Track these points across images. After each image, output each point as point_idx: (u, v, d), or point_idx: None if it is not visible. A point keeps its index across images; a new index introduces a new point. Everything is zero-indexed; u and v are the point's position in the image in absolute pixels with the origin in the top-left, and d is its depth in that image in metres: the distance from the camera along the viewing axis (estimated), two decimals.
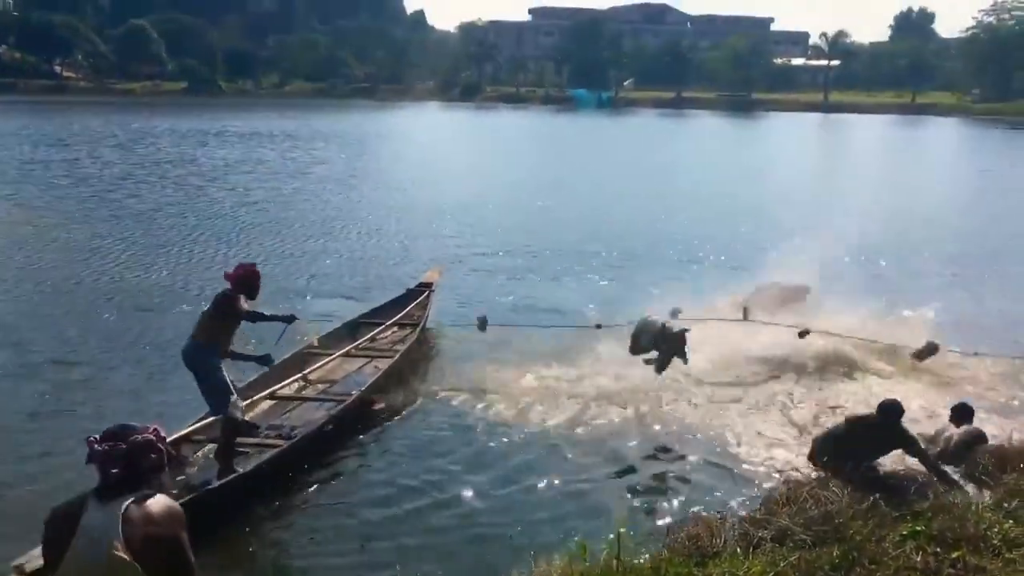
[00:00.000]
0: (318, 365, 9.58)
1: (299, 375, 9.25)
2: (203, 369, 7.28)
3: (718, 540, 5.98)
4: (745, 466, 7.70)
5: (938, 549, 5.56)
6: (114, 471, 3.25)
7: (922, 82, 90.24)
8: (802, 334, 9.89)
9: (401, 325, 11.18)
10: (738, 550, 5.77)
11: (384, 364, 9.72)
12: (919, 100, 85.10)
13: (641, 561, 5.65)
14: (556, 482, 7.40)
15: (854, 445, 7.08)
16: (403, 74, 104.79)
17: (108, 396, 9.24)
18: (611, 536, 5.92)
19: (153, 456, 3.34)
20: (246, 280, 7.48)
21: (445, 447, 8.12)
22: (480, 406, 9.02)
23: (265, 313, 7.90)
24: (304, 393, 9.10)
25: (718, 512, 6.68)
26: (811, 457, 7.41)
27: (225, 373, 7.34)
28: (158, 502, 3.29)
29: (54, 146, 35.53)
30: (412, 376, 9.81)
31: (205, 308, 7.62)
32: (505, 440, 8.21)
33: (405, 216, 21.34)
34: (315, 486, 7.32)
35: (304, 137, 43.43)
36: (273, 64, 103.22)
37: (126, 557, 3.12)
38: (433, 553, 6.30)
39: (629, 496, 7.25)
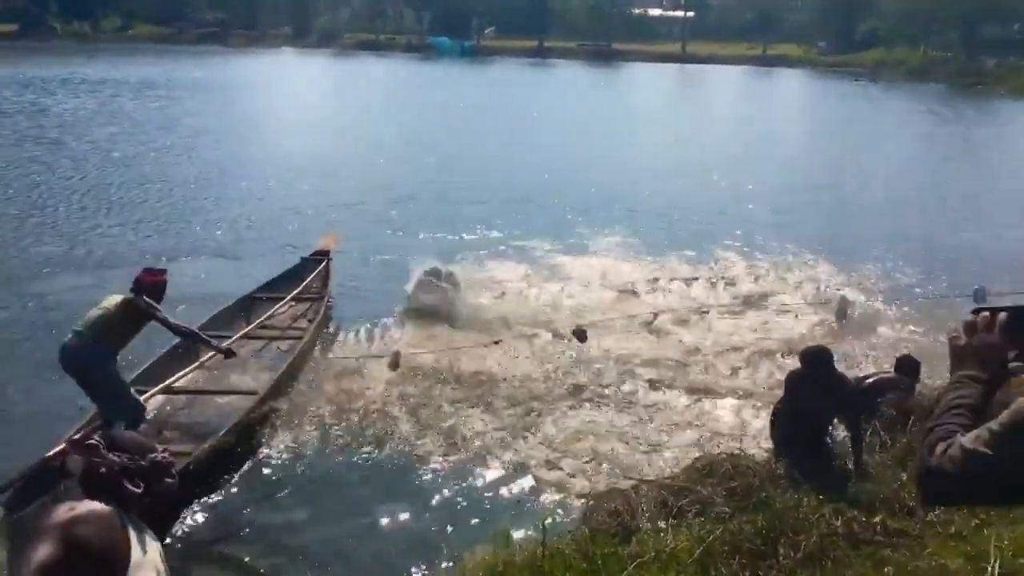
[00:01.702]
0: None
1: (196, 363, 8.14)
2: (97, 373, 6.67)
3: (639, 514, 5.87)
4: (659, 442, 7.62)
5: (855, 512, 5.56)
6: (137, 491, 2.59)
7: (770, 33, 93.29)
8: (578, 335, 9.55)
9: (300, 300, 10.27)
10: (659, 523, 5.69)
11: (287, 345, 9.00)
12: (770, 51, 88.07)
13: (565, 545, 5.42)
14: (472, 474, 7.11)
15: (807, 409, 6.64)
16: (256, 19, 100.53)
17: None
18: (534, 523, 5.82)
19: (168, 482, 2.71)
20: (159, 289, 7.11)
21: (357, 441, 7.55)
22: (392, 393, 8.45)
23: (199, 333, 7.50)
24: (206, 386, 8.08)
25: (634, 483, 6.55)
26: (774, 438, 6.92)
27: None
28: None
29: None
30: (319, 358, 9.15)
31: (103, 308, 6.84)
32: (419, 432, 7.74)
33: (285, 173, 20.22)
34: (220, 490, 6.67)
35: (163, 86, 40.71)
36: (113, 5, 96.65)
37: None
38: (351, 559, 5.97)
39: (546, 480, 7.00)
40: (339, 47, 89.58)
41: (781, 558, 5.12)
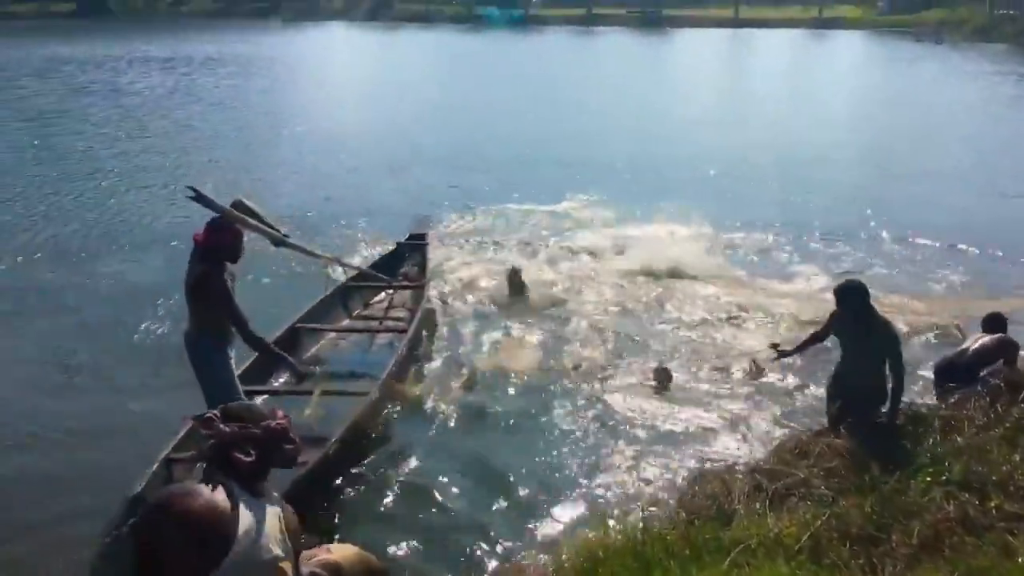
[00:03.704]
0: (316, 346, 8.36)
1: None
2: (197, 365, 6.02)
3: (736, 497, 5.64)
4: (745, 422, 7.51)
5: (966, 495, 5.26)
6: (248, 460, 2.65)
7: None
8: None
9: (400, 289, 9.78)
10: (757, 506, 5.45)
11: (388, 338, 8.61)
12: (826, 13, 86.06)
13: (664, 529, 5.29)
14: (562, 458, 7.03)
15: (854, 367, 6.50)
16: None
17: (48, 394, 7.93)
18: (628, 506, 5.84)
19: (289, 448, 2.80)
20: (222, 249, 5.87)
21: (464, 429, 7.46)
22: (496, 379, 8.33)
23: (271, 347, 6.43)
24: (309, 386, 7.13)
25: (725, 465, 6.36)
26: (832, 421, 6.65)
27: (230, 368, 6.11)
28: (289, 510, 2.78)
29: None
30: (426, 349, 8.83)
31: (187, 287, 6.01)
32: (518, 416, 7.69)
33: (362, 152, 19.92)
34: (337, 494, 6.42)
35: (229, 62, 40.76)
36: None
37: (288, 570, 2.60)
38: (441, 538, 5.96)
39: (636, 464, 6.87)
40: (389, 19, 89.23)
41: (895, 544, 4.91)
